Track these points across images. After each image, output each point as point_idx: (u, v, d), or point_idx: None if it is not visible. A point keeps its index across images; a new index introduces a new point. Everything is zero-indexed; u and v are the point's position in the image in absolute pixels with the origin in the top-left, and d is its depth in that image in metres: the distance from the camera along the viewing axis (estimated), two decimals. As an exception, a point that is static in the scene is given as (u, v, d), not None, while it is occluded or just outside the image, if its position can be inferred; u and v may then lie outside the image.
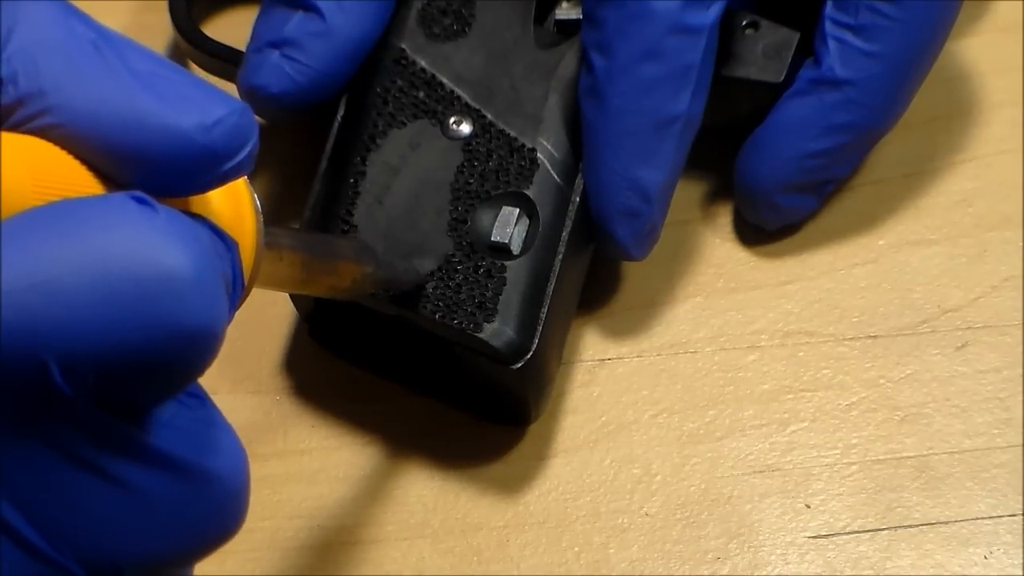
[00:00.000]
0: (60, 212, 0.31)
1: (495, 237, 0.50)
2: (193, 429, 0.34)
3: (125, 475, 0.33)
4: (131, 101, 0.33)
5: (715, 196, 0.57)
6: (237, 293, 0.35)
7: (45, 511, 0.33)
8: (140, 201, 0.32)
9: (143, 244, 0.31)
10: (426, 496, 0.53)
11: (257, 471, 0.52)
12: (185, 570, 0.37)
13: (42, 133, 0.33)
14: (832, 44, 0.52)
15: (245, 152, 0.34)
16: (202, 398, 0.35)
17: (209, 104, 0.34)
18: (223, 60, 0.56)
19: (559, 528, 0.52)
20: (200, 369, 0.33)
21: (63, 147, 0.33)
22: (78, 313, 0.31)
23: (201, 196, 0.35)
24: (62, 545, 0.33)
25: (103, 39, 0.33)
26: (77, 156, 0.33)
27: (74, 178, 0.33)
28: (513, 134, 0.51)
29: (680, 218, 0.56)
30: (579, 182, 0.51)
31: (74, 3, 0.37)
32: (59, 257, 0.31)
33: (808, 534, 0.52)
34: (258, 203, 0.37)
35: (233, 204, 0.36)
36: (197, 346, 0.32)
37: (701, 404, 0.54)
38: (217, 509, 0.35)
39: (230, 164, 0.34)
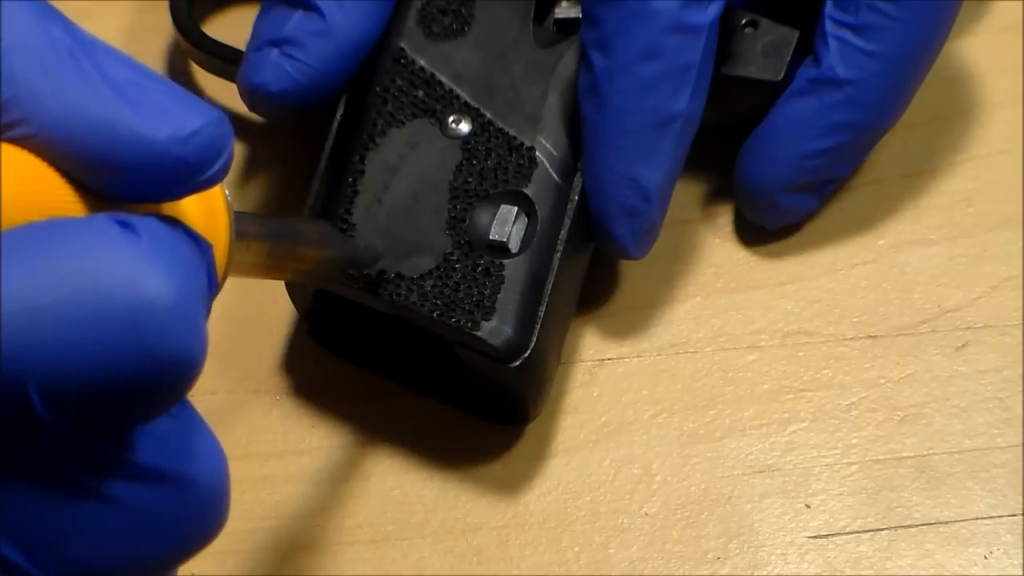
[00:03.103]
0: (42, 235, 0.31)
1: (493, 235, 0.50)
2: (173, 435, 0.34)
3: (107, 491, 0.33)
4: (106, 111, 0.33)
5: (715, 196, 0.57)
6: (211, 293, 0.35)
7: (27, 532, 0.32)
8: (123, 225, 0.32)
9: (126, 270, 0.31)
10: (426, 496, 0.53)
11: (257, 471, 0.53)
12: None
13: (18, 142, 0.32)
14: (832, 43, 0.52)
15: (219, 164, 0.34)
16: (181, 402, 0.35)
17: (184, 115, 0.34)
18: (223, 59, 0.56)
19: (559, 528, 0.52)
20: (181, 394, 0.33)
21: (38, 155, 0.33)
22: (59, 340, 0.30)
23: None
24: (46, 564, 0.33)
25: (79, 45, 0.33)
26: (52, 164, 0.33)
27: (50, 189, 0.33)
28: (512, 133, 0.51)
29: (680, 218, 0.56)
30: (578, 181, 0.51)
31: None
32: (41, 283, 0.30)
33: (808, 534, 0.52)
34: (229, 196, 0.37)
35: (206, 202, 0.36)
36: (178, 373, 0.32)
37: (701, 404, 0.54)
38: (199, 513, 0.35)
39: (204, 176, 0.34)
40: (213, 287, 0.35)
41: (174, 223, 0.34)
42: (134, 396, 0.32)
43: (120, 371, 0.31)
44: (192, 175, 0.34)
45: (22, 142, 0.32)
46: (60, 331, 0.30)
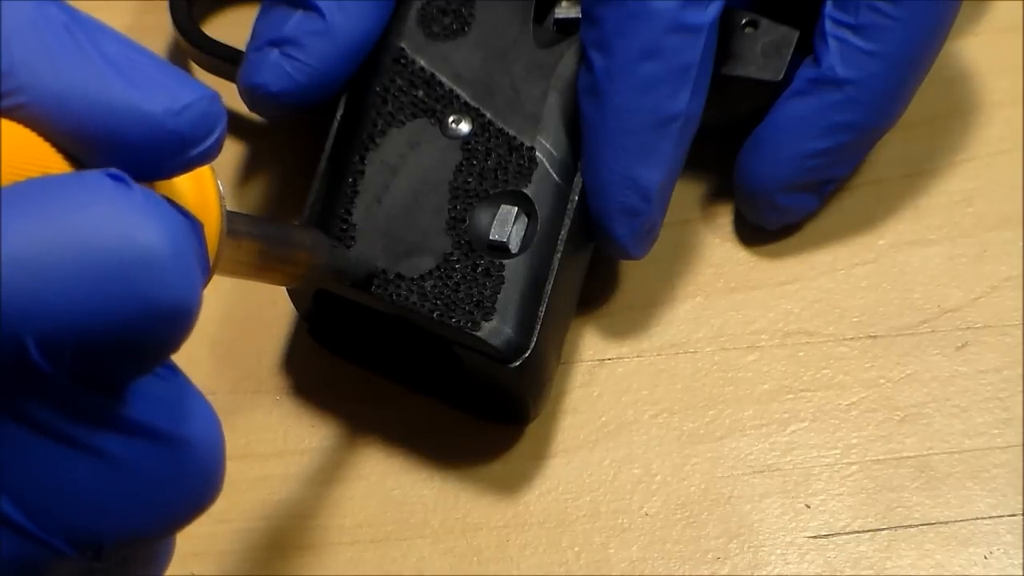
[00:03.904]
0: (37, 189, 0.31)
1: (493, 236, 0.50)
2: (167, 398, 0.34)
3: (104, 447, 0.33)
4: (101, 84, 0.33)
5: (715, 196, 0.57)
6: (204, 271, 0.35)
7: (27, 489, 0.33)
8: (116, 178, 0.32)
9: (120, 221, 0.31)
10: (426, 496, 0.53)
11: (257, 471, 0.53)
12: (166, 541, 0.37)
13: (10, 113, 0.33)
14: (832, 43, 0.52)
15: (213, 138, 0.35)
16: (173, 369, 0.35)
17: (178, 89, 0.34)
18: (223, 59, 0.56)
19: (559, 528, 0.52)
20: (176, 345, 0.33)
21: (32, 128, 0.33)
22: (57, 290, 0.31)
23: (167, 180, 0.35)
24: (46, 521, 0.33)
25: (74, 21, 0.34)
26: (46, 138, 0.33)
27: (45, 160, 0.33)
28: (512, 133, 0.51)
29: (680, 218, 0.56)
30: (578, 181, 0.51)
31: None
32: (37, 234, 0.31)
33: (808, 534, 0.52)
34: (222, 189, 0.37)
35: (198, 189, 0.36)
36: (173, 322, 0.32)
37: (701, 404, 0.54)
38: (195, 476, 0.35)
39: (197, 150, 0.34)
40: (205, 266, 0.35)
41: (167, 200, 0.35)
42: (130, 345, 0.32)
43: (116, 320, 0.31)
44: (185, 149, 0.34)
45: (14, 112, 0.33)
46: (56, 281, 0.31)
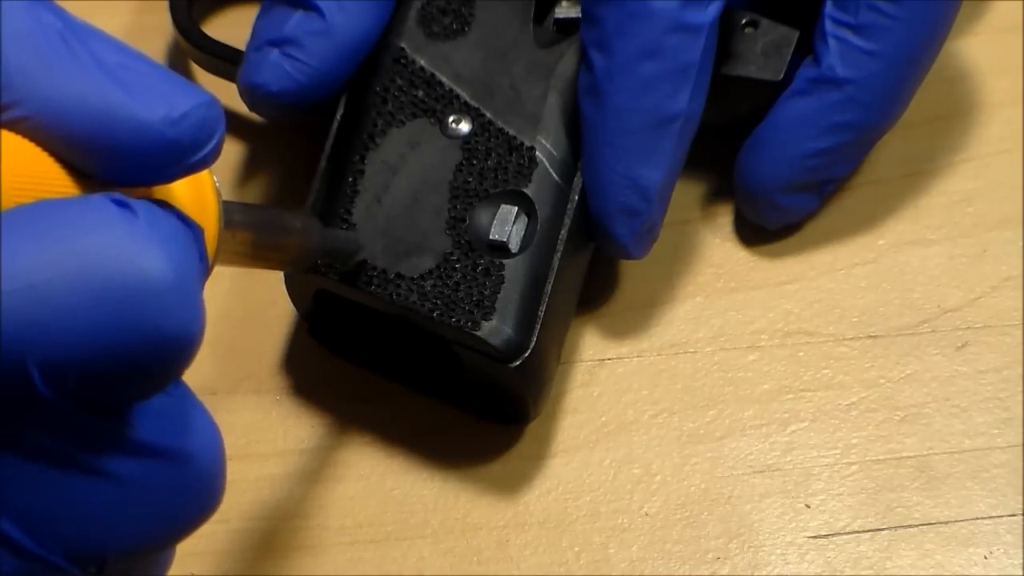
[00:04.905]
0: (40, 214, 0.31)
1: (493, 235, 0.50)
2: (169, 412, 0.34)
3: (107, 468, 0.33)
4: (99, 94, 0.33)
5: (715, 196, 0.57)
6: (204, 276, 0.35)
7: (27, 509, 0.33)
8: (119, 204, 0.32)
9: (124, 248, 0.31)
10: (426, 496, 0.53)
11: (257, 471, 0.53)
12: (167, 552, 0.37)
13: (9, 126, 0.33)
14: (832, 43, 0.52)
15: (211, 145, 0.35)
16: (176, 381, 0.35)
17: (176, 97, 0.34)
18: (223, 59, 0.56)
19: (559, 528, 0.52)
20: (179, 372, 0.33)
21: (30, 140, 0.33)
22: (60, 316, 0.31)
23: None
24: (46, 540, 0.33)
25: (70, 29, 0.33)
26: (45, 148, 0.33)
27: (45, 172, 0.33)
28: (512, 133, 0.51)
29: (680, 218, 0.56)
30: (578, 180, 0.51)
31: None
32: (41, 262, 0.31)
33: (808, 534, 0.52)
34: (217, 184, 0.37)
35: (196, 189, 0.36)
36: (176, 350, 0.32)
37: (701, 404, 0.54)
38: (196, 489, 0.35)
39: (196, 157, 0.34)
40: (205, 270, 0.35)
41: (167, 206, 0.35)
42: (133, 373, 0.32)
43: (119, 348, 0.31)
44: (185, 156, 0.34)
45: (15, 126, 0.33)
46: (60, 309, 0.31)
